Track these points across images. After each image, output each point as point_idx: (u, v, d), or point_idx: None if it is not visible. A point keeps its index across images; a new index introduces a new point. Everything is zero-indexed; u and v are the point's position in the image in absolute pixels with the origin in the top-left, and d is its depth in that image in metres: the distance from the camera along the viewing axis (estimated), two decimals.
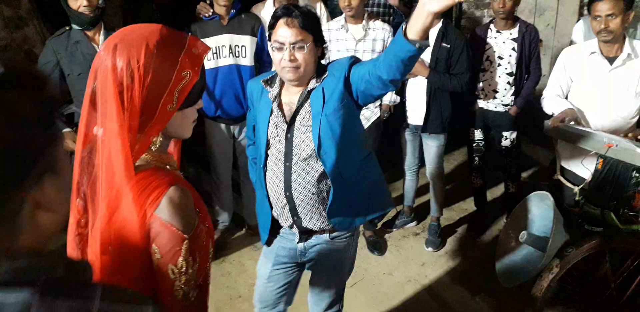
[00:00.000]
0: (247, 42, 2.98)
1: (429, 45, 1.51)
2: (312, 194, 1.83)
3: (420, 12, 1.38)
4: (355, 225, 1.97)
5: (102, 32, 2.50)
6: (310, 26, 1.72)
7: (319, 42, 1.77)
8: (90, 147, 1.03)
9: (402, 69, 1.54)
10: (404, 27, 1.45)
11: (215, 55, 2.90)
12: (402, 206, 3.61)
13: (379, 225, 3.53)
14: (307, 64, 1.74)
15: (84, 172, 1.04)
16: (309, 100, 1.79)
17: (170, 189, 1.00)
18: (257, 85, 1.90)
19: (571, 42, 3.28)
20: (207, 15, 2.86)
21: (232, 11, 2.91)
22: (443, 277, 3.09)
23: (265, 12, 3.18)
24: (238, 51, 2.94)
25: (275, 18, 1.72)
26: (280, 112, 1.83)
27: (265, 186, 1.90)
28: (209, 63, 2.90)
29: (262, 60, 3.07)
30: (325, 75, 1.79)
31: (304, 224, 1.89)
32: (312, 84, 1.79)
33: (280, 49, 1.72)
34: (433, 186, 3.38)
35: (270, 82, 1.87)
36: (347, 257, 2.08)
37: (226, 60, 2.93)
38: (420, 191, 3.66)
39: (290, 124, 1.81)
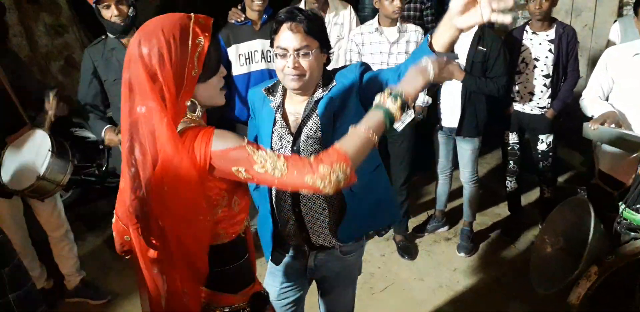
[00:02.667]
0: None
1: (457, 58, 1.48)
2: (323, 209, 1.75)
3: (448, 26, 1.33)
4: (364, 237, 1.92)
5: None
6: (316, 31, 1.61)
7: (325, 48, 1.66)
8: (135, 123, 1.18)
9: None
10: (429, 39, 1.41)
11: (247, 60, 2.94)
12: (433, 210, 3.57)
13: (410, 229, 3.50)
14: (313, 72, 1.63)
15: (134, 142, 1.19)
16: (316, 111, 1.68)
17: (214, 130, 1.20)
18: (258, 93, 1.80)
19: (608, 43, 3.19)
20: (239, 20, 2.90)
21: (264, 16, 2.94)
22: (475, 283, 3.04)
23: None
24: (270, 56, 2.97)
25: (278, 23, 1.61)
26: (284, 123, 1.72)
27: (270, 201, 1.80)
28: (241, 68, 2.93)
29: None
30: (333, 84, 1.68)
31: (313, 240, 1.80)
32: (319, 93, 1.68)
33: (283, 55, 1.60)
34: (466, 190, 3.33)
35: (272, 90, 1.77)
36: (357, 268, 2.03)
37: (258, 65, 2.96)
38: (453, 195, 3.61)
39: (297, 135, 1.71)
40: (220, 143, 1.18)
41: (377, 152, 1.83)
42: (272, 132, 1.73)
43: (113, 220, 1.43)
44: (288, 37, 1.58)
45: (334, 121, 1.66)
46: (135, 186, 1.20)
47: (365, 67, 1.69)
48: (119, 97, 2.72)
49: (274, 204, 1.80)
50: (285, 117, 1.73)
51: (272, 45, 1.66)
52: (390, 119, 1.27)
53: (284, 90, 1.74)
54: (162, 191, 1.18)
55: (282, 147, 1.73)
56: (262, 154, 1.18)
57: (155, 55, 1.13)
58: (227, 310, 1.39)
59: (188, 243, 1.23)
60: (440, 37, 1.38)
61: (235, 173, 1.18)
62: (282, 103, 1.74)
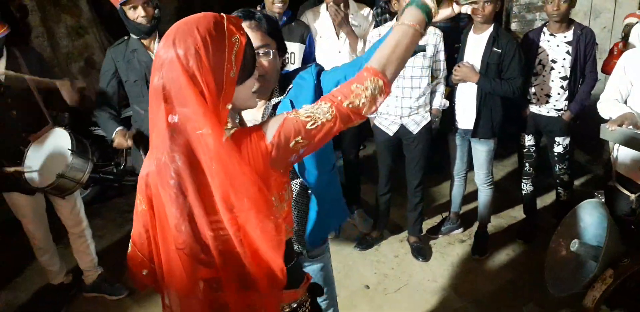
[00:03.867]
0: (296, 49, 3.04)
1: (424, 50, 1.45)
2: (294, 216, 1.71)
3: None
4: (326, 238, 1.88)
5: (157, 41, 2.61)
6: (275, 32, 1.58)
7: (282, 51, 1.61)
8: (172, 133, 1.11)
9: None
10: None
11: None
12: (448, 212, 3.56)
13: (424, 231, 3.50)
14: (272, 73, 1.58)
15: (174, 153, 1.10)
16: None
17: (262, 126, 1.15)
18: None
19: (626, 46, 3.16)
20: (274, 15, 2.92)
21: (284, 18, 2.97)
22: (489, 285, 3.03)
23: (321, 20, 3.21)
24: (287, 57, 2.99)
25: None
26: None
27: None
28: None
29: None
30: (290, 87, 1.62)
31: None
32: (276, 97, 1.63)
33: None
34: (481, 192, 3.32)
35: None
36: (330, 269, 1.99)
37: None
38: (468, 197, 3.61)
39: None
40: (270, 130, 1.13)
41: (332, 152, 1.78)
42: None
43: (129, 251, 1.36)
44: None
45: None
46: (182, 202, 1.13)
47: (320, 67, 1.65)
48: (139, 97, 2.78)
49: None
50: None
51: None
52: (428, 13, 1.28)
53: None
54: (229, 202, 1.11)
55: None
56: (305, 110, 1.15)
57: (192, 56, 1.07)
58: (295, 306, 1.37)
59: (263, 251, 1.15)
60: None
61: (294, 148, 1.13)
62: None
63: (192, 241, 1.14)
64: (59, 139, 2.54)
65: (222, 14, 1.17)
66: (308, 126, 1.12)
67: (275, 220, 1.15)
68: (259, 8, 3.01)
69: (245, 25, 1.52)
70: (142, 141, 2.72)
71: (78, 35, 4.46)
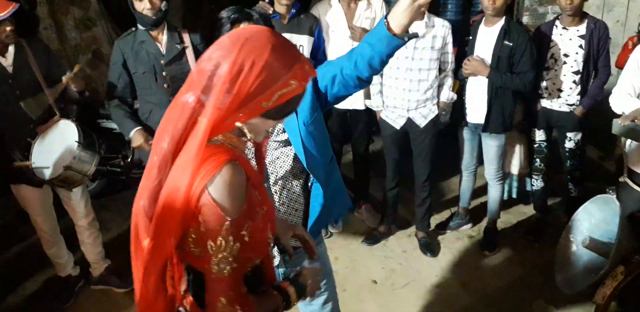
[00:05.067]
0: (305, 42, 3.01)
1: (417, 36, 1.47)
2: (296, 210, 1.73)
3: (408, 6, 1.36)
4: (324, 229, 1.89)
5: (165, 32, 2.59)
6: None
7: None
8: (176, 111, 1.12)
9: (385, 63, 1.50)
10: (385, 23, 1.41)
11: None
12: (457, 207, 3.54)
13: (433, 226, 3.48)
14: None
15: (166, 132, 1.11)
16: None
17: (226, 165, 1.08)
18: None
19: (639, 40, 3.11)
20: (267, 13, 2.90)
21: (292, 10, 2.94)
22: (498, 282, 3.01)
23: (332, 13, 3.17)
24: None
25: (232, 22, 1.54)
26: None
27: None
28: None
29: (317, 58, 3.09)
30: None
31: (283, 241, 1.69)
32: None
33: None
34: (491, 187, 3.29)
35: None
36: (327, 260, 1.97)
37: None
38: (477, 192, 3.57)
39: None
40: (220, 193, 1.06)
41: (329, 144, 1.79)
42: None
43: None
44: None
45: (298, 120, 1.61)
46: (153, 176, 1.14)
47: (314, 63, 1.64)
48: (147, 89, 2.77)
49: None
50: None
51: None
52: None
53: None
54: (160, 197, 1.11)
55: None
56: (229, 242, 1.08)
57: (248, 65, 1.05)
58: None
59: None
60: (402, 19, 1.38)
61: (190, 228, 1.10)
62: None
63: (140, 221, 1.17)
64: (66, 131, 2.53)
65: (303, 55, 1.16)
66: (209, 243, 1.08)
67: (161, 270, 1.15)
68: (267, 0, 2.98)
69: (239, 25, 1.54)
70: (149, 134, 2.71)
71: (86, 27, 4.45)
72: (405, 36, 1.42)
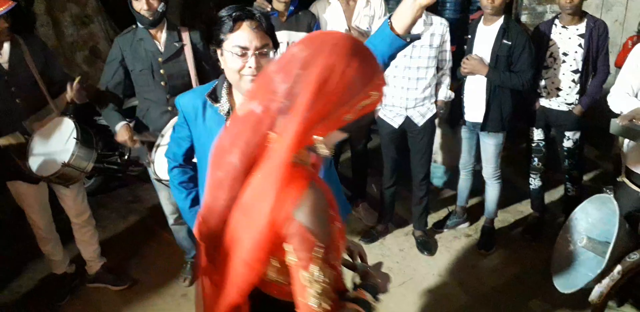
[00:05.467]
0: None
1: (419, 38, 1.49)
2: None
3: (410, 6, 1.39)
4: None
5: (164, 31, 2.58)
6: (271, 30, 1.57)
7: (275, 47, 1.59)
8: (245, 121, 1.04)
9: (387, 65, 1.51)
10: (389, 23, 1.44)
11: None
12: (454, 205, 3.53)
13: (430, 225, 3.47)
14: None
15: (235, 145, 1.04)
16: None
17: (310, 189, 1.01)
18: (191, 101, 1.67)
19: (639, 39, 3.11)
20: (265, 11, 2.89)
21: (291, 8, 2.93)
22: (495, 280, 3.01)
23: (331, 11, 3.16)
24: (273, 53, 2.96)
25: (234, 20, 1.51)
26: None
27: None
28: None
29: None
30: None
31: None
32: None
33: (242, 55, 1.50)
34: (488, 186, 3.29)
35: (213, 96, 1.64)
36: None
37: None
38: (475, 191, 3.57)
39: None
40: (309, 219, 1.00)
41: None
42: None
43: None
44: (248, 35, 1.50)
45: None
46: (221, 195, 1.06)
47: None
48: (145, 87, 2.75)
49: None
50: None
51: (217, 44, 1.54)
52: None
53: (229, 95, 1.63)
54: (240, 216, 1.04)
55: None
56: (324, 270, 1.01)
57: (339, 71, 0.98)
58: None
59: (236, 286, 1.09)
60: (404, 18, 1.41)
61: (287, 252, 1.03)
62: (231, 109, 1.62)
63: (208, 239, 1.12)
64: (64, 128, 2.52)
65: (380, 65, 1.11)
66: (302, 273, 1.02)
67: (259, 275, 1.07)
68: None
69: (246, 24, 1.51)
70: (147, 126, 2.70)
71: (83, 24, 4.43)
72: (408, 37, 1.44)
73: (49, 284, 3.01)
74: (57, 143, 2.49)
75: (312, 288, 1.01)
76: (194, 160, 1.88)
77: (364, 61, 1.02)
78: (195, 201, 1.91)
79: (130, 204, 3.93)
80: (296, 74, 0.99)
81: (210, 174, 1.09)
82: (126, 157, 3.64)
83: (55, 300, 2.88)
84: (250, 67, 1.50)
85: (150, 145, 2.58)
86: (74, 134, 2.45)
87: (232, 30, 1.50)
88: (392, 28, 1.44)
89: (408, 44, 1.47)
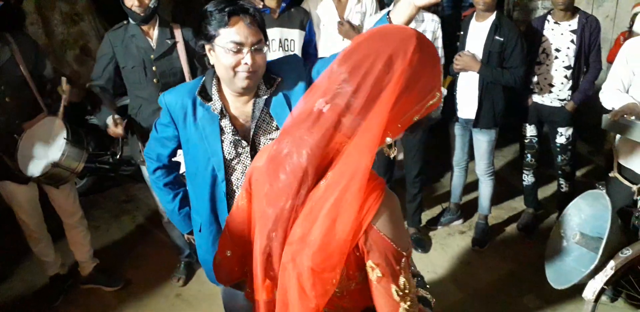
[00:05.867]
0: (296, 36, 2.98)
1: None
2: None
3: (406, 4, 1.43)
4: None
5: (156, 27, 2.56)
6: (263, 24, 1.53)
7: (266, 43, 1.55)
8: (311, 121, 0.97)
9: None
10: (388, 18, 1.48)
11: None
12: (448, 202, 3.54)
13: (424, 222, 3.47)
14: (262, 69, 1.53)
15: (301, 145, 0.96)
16: (269, 111, 1.59)
17: (386, 196, 0.95)
18: (179, 99, 1.61)
19: (630, 34, 3.11)
20: (257, 8, 2.87)
21: (283, 5, 2.91)
22: (489, 277, 3.01)
23: (323, 7, 3.14)
24: (287, 45, 2.95)
25: (229, 15, 1.46)
26: (234, 129, 1.59)
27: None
28: None
29: (309, 53, 3.06)
30: (278, 80, 1.59)
31: None
32: (264, 90, 1.58)
33: (237, 51, 1.46)
34: (482, 182, 3.29)
35: (204, 93, 1.60)
36: None
37: (276, 54, 2.94)
38: (468, 187, 3.57)
39: (254, 140, 1.61)
40: (389, 227, 0.94)
41: None
42: (222, 141, 1.59)
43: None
44: (244, 30, 1.46)
45: None
46: (283, 199, 0.99)
47: (302, 58, 1.63)
48: (137, 84, 2.74)
49: None
50: (233, 122, 1.60)
51: (208, 39, 1.49)
52: None
53: (220, 92, 1.59)
54: (310, 224, 0.95)
55: (239, 155, 1.62)
56: (409, 280, 0.97)
57: (420, 68, 0.94)
58: None
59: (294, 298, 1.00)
60: (400, 15, 1.45)
61: (368, 268, 0.96)
62: (224, 107, 1.59)
63: (274, 251, 1.03)
64: (54, 128, 2.50)
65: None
66: (392, 287, 0.96)
67: (329, 287, 0.97)
68: None
69: (240, 19, 1.46)
70: (138, 130, 2.67)
71: (73, 22, 4.38)
72: None
73: (41, 285, 2.99)
74: (47, 143, 2.47)
75: (404, 302, 0.96)
76: (174, 159, 1.84)
77: (435, 59, 0.98)
78: (184, 202, 1.87)
79: (123, 204, 3.91)
80: (373, 71, 0.92)
81: (269, 181, 1.02)
82: (118, 156, 3.61)
83: (48, 302, 2.87)
84: (246, 63, 1.47)
85: (143, 144, 2.57)
86: (64, 134, 2.43)
87: (226, 26, 1.46)
88: (391, 23, 1.47)
89: None
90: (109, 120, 2.51)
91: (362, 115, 0.93)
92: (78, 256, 2.94)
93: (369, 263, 0.95)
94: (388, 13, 1.50)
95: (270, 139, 1.62)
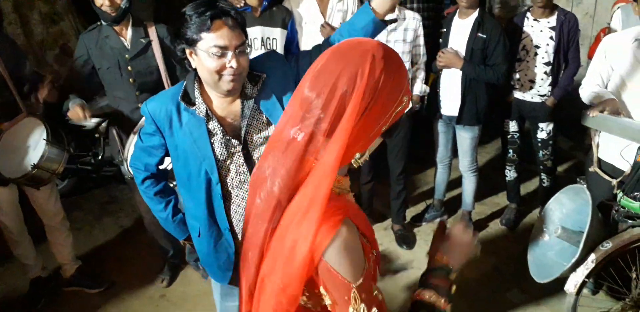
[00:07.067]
0: (278, 35, 2.97)
1: (396, 21, 1.54)
2: None
3: None
4: None
5: (130, 27, 2.54)
6: (244, 26, 1.52)
7: (248, 43, 1.54)
8: (285, 149, 0.98)
9: None
10: (370, 5, 1.52)
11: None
12: (432, 199, 3.55)
13: (408, 219, 3.49)
14: (246, 70, 1.53)
15: (276, 174, 0.98)
16: (259, 108, 1.59)
17: (343, 227, 0.93)
18: (163, 106, 1.59)
19: (609, 30, 3.15)
20: (239, 6, 2.85)
21: (265, 3, 2.90)
22: (473, 272, 3.03)
23: (305, 5, 3.13)
24: (269, 43, 2.94)
25: (211, 18, 1.43)
26: (224, 130, 1.59)
27: (228, 218, 1.69)
28: None
29: (291, 52, 3.05)
30: (263, 76, 1.60)
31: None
32: (250, 88, 1.58)
33: (221, 55, 1.45)
34: (465, 179, 3.31)
35: (187, 98, 1.58)
36: None
37: (258, 53, 2.91)
38: (452, 184, 3.60)
39: (245, 140, 1.61)
40: (338, 259, 0.93)
41: None
42: (212, 143, 1.59)
43: None
44: (227, 34, 1.44)
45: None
46: (260, 225, 1.01)
47: (283, 54, 1.62)
48: (113, 84, 2.71)
49: (232, 220, 1.71)
50: (220, 123, 1.59)
51: (189, 44, 1.47)
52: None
53: (202, 94, 1.58)
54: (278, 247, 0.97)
55: (231, 156, 1.62)
56: (364, 309, 0.95)
57: (382, 82, 0.93)
58: None
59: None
60: (384, 3, 1.51)
61: (322, 293, 0.97)
62: (208, 109, 1.58)
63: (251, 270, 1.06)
64: (34, 129, 2.46)
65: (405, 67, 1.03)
66: None
67: (297, 302, 0.99)
68: None
69: (222, 23, 1.44)
70: (120, 124, 2.65)
71: (53, 22, 4.33)
72: (387, 21, 1.53)
73: (22, 288, 2.94)
74: (27, 144, 2.44)
75: None
76: (161, 167, 1.82)
77: (398, 66, 0.97)
78: (176, 209, 1.85)
79: (105, 205, 3.87)
80: (339, 92, 0.92)
81: (250, 204, 1.05)
82: (100, 157, 3.58)
83: (29, 305, 2.82)
84: (232, 67, 1.46)
85: (122, 144, 2.55)
86: (44, 135, 2.39)
87: (208, 30, 1.43)
88: (374, 12, 1.51)
89: (385, 26, 1.54)
90: (71, 103, 2.46)
91: (330, 137, 0.94)
92: (60, 258, 2.90)
93: (321, 289, 0.96)
94: (369, 2, 1.53)
95: (262, 137, 1.62)
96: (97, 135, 3.40)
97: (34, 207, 2.76)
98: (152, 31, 2.57)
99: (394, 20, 1.56)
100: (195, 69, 1.56)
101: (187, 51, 1.51)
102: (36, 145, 2.41)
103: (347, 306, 0.95)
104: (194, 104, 1.57)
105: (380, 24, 1.54)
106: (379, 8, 1.52)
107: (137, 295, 2.93)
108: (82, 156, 3.73)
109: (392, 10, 1.52)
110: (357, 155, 0.97)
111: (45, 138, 2.39)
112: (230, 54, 1.45)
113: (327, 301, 0.97)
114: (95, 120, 2.49)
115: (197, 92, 1.57)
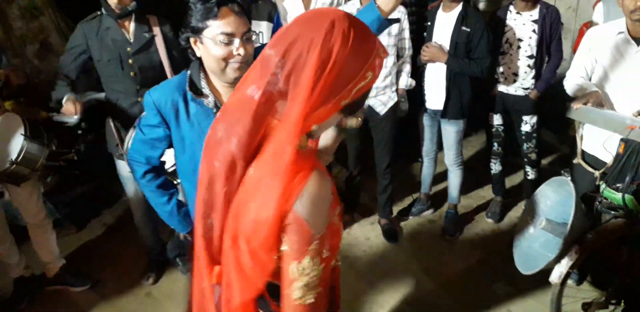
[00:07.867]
0: (264, 28, 2.95)
1: (399, 21, 1.52)
2: None
3: None
4: None
5: (133, 21, 2.50)
6: (250, 13, 1.52)
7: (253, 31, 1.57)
8: (242, 107, 0.98)
9: None
10: (376, 3, 1.50)
11: None
12: (418, 193, 3.56)
13: (395, 213, 3.49)
14: (252, 57, 1.50)
15: (232, 133, 0.97)
16: None
17: (313, 176, 0.94)
18: (168, 97, 1.57)
19: (591, 24, 3.17)
20: None
21: None
22: (460, 265, 3.05)
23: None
24: (256, 37, 2.91)
25: (218, 5, 1.43)
26: None
27: None
28: None
29: None
30: None
31: None
32: None
33: (228, 42, 1.44)
34: (451, 172, 3.32)
35: (194, 88, 1.56)
36: None
37: None
38: (438, 177, 3.61)
39: None
40: (308, 209, 0.94)
41: None
42: None
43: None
44: (234, 21, 1.44)
45: None
46: (217, 186, 1.00)
47: None
48: (113, 77, 2.67)
49: None
50: None
51: (195, 32, 1.47)
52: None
53: (210, 85, 1.57)
54: (243, 209, 0.97)
55: None
56: (316, 263, 0.96)
57: (335, 51, 0.91)
58: None
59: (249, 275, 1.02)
60: (388, 2, 1.48)
61: (282, 242, 0.97)
62: (217, 100, 1.56)
63: (211, 235, 1.04)
64: (11, 124, 2.41)
65: (378, 39, 1.02)
66: (293, 264, 0.97)
67: (269, 265, 0.99)
68: None
69: (228, 10, 1.43)
70: (116, 124, 2.61)
71: (32, 16, 4.24)
72: (391, 20, 1.50)
73: (4, 288, 2.90)
74: (5, 140, 2.39)
75: (299, 281, 0.96)
76: (162, 159, 1.80)
77: (362, 38, 0.96)
78: (180, 202, 1.83)
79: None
80: (295, 55, 0.92)
81: (206, 166, 1.02)
82: (81, 153, 3.52)
83: (12, 305, 2.78)
84: (239, 54, 1.45)
85: (120, 138, 2.52)
86: (22, 131, 2.35)
87: (215, 17, 1.43)
88: (380, 10, 1.48)
89: (389, 25, 1.53)
90: (65, 97, 2.42)
91: (284, 99, 0.95)
92: (43, 257, 2.86)
93: (283, 237, 0.96)
94: (375, 0, 1.50)
95: None
96: (79, 132, 3.34)
97: (15, 205, 2.71)
98: (156, 25, 2.53)
99: (397, 20, 1.54)
100: (199, 58, 1.54)
101: (192, 40, 1.50)
102: (14, 141, 2.36)
103: (303, 254, 0.95)
104: (202, 94, 1.55)
105: (385, 23, 1.51)
106: (384, 6, 1.49)
107: (122, 293, 2.90)
108: (64, 152, 3.67)
109: (396, 5, 1.50)
110: (314, 127, 0.97)
111: (23, 133, 2.34)
112: (237, 41, 1.45)
113: (285, 248, 0.96)
114: (77, 116, 2.44)
115: (203, 82, 1.56)
